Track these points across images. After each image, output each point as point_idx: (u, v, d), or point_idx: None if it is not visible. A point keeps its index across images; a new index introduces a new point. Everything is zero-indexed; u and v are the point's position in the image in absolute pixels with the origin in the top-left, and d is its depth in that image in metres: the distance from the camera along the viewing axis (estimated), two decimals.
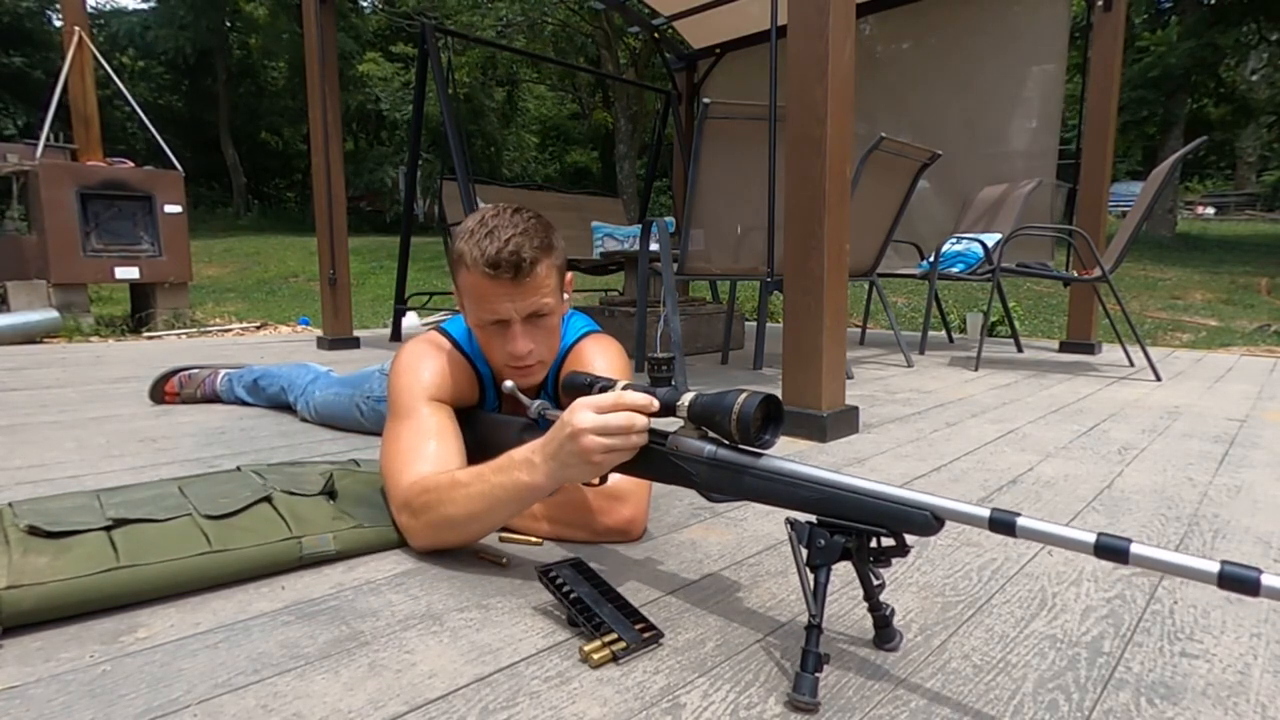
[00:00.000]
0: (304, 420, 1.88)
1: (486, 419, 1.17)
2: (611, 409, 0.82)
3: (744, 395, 0.76)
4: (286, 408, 1.99)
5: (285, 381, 1.97)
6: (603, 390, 0.90)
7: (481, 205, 1.12)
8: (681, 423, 0.83)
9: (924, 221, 3.98)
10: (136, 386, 2.41)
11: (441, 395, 1.10)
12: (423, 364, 1.11)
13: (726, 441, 0.79)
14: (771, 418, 0.78)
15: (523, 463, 0.88)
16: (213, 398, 2.14)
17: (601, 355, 1.17)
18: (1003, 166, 3.83)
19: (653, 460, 0.86)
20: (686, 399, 0.82)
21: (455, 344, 1.17)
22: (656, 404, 0.83)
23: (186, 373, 2.17)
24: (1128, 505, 1.25)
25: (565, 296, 1.14)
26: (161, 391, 2.13)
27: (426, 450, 1.01)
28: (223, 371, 2.16)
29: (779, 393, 1.78)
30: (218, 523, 0.96)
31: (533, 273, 1.03)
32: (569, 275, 1.16)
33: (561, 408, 0.94)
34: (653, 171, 5.21)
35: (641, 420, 0.83)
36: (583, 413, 0.82)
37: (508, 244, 1.01)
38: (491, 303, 1.04)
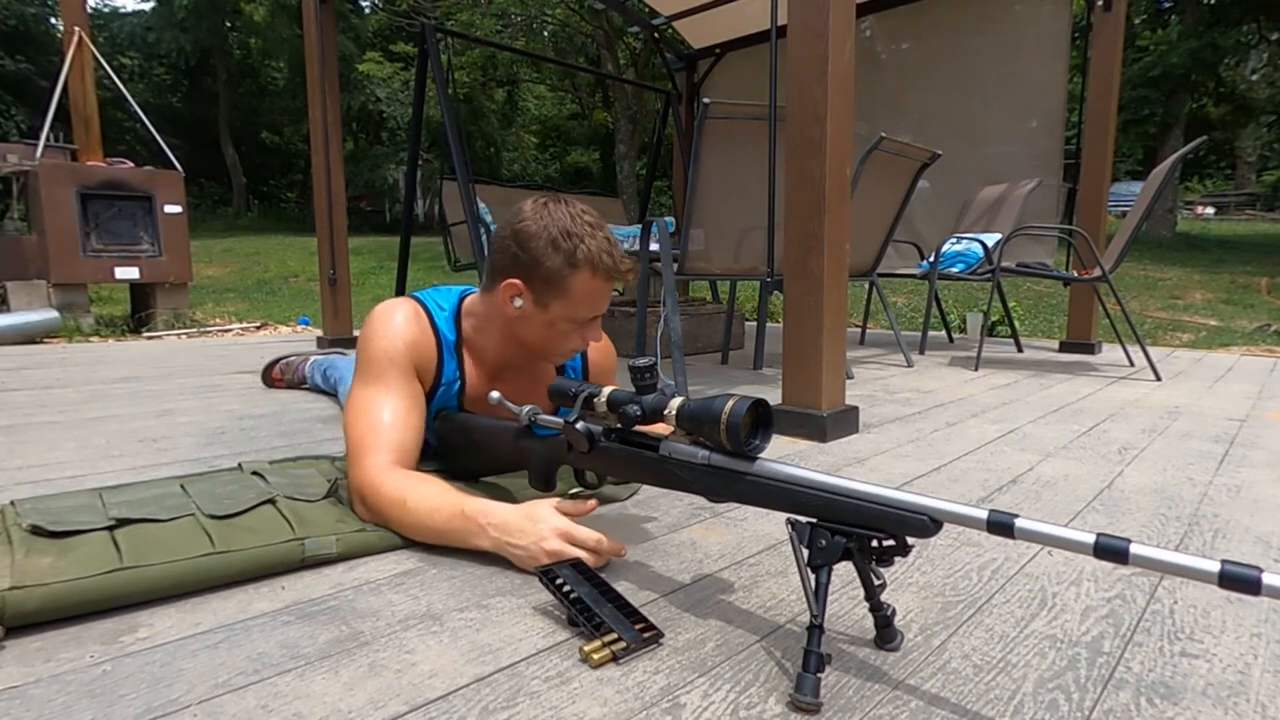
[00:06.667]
0: None
1: (481, 425, 1.16)
2: (580, 542, 0.88)
3: (731, 401, 0.75)
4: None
5: (337, 374, 2.03)
6: (588, 399, 0.90)
7: (535, 200, 1.12)
8: (671, 428, 0.83)
9: (924, 221, 3.98)
10: (136, 386, 2.41)
11: (410, 368, 1.14)
12: (400, 330, 1.15)
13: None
14: (761, 422, 0.77)
15: (471, 527, 0.94)
16: (302, 382, 2.31)
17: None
18: (1003, 166, 3.83)
19: (648, 466, 0.86)
20: (674, 405, 0.81)
21: (430, 315, 1.19)
22: (604, 547, 0.90)
23: (285, 361, 2.36)
24: (1128, 505, 1.25)
25: None
26: (270, 378, 2.37)
27: (388, 428, 1.06)
28: (312, 358, 2.31)
29: (779, 393, 1.78)
30: (221, 523, 0.96)
31: None
32: None
33: (551, 410, 0.95)
34: (653, 171, 5.21)
35: (581, 552, 0.88)
36: (557, 527, 0.89)
37: (618, 248, 1.09)
38: (599, 301, 1.11)
